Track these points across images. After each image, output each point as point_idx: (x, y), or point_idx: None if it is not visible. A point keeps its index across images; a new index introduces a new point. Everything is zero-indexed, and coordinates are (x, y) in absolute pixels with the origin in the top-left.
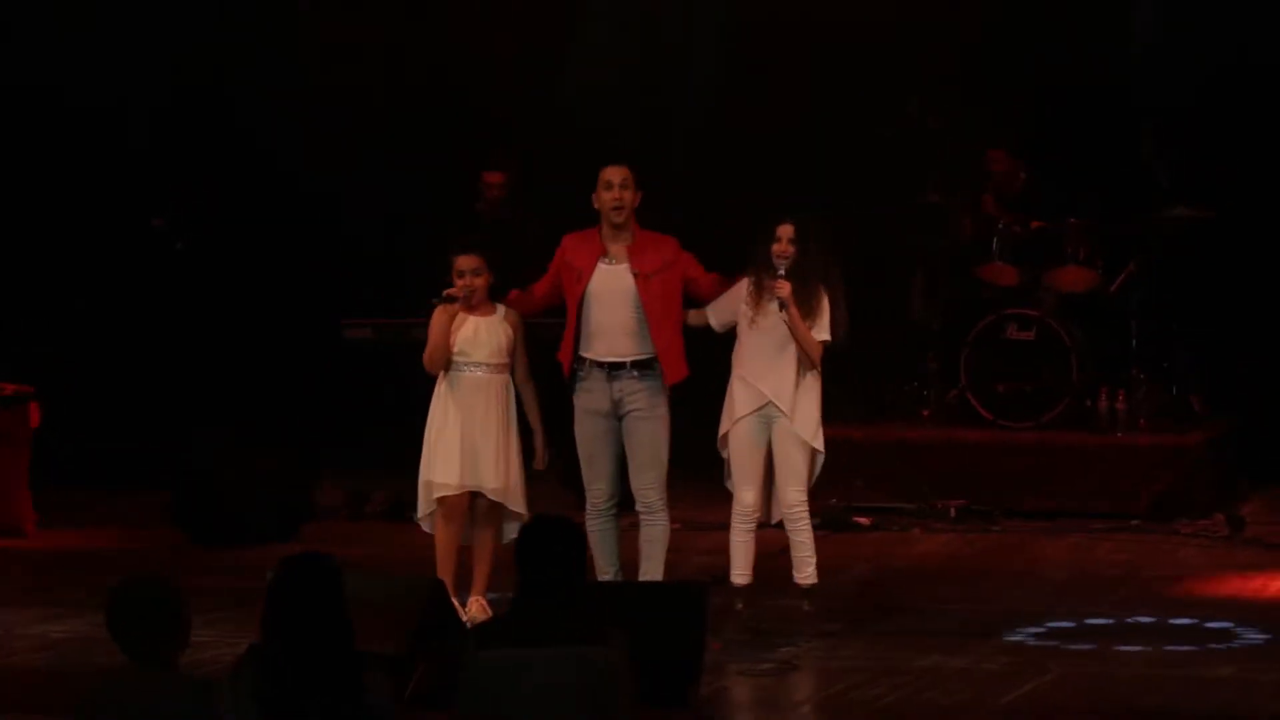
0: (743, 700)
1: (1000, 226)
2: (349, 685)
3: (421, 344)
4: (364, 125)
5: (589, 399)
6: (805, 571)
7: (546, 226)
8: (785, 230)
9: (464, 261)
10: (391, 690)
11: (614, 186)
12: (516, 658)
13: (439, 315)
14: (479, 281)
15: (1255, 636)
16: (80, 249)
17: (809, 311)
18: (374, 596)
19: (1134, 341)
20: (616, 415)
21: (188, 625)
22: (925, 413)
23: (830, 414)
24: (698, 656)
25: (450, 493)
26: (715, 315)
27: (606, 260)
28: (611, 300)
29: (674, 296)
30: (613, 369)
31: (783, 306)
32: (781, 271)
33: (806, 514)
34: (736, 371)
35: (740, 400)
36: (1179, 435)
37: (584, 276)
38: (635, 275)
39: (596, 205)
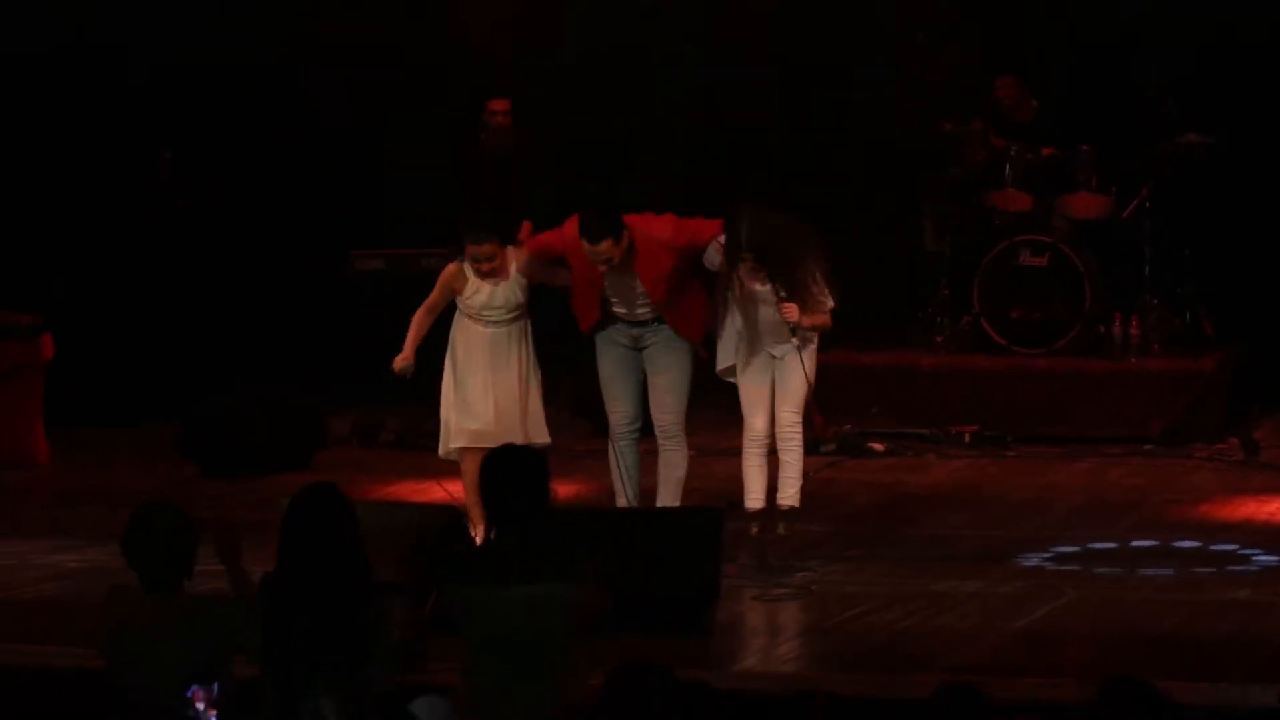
0: (758, 625)
1: (1013, 153)
2: (363, 612)
3: (431, 275)
4: (369, 59)
5: (611, 334)
6: (787, 492)
7: (552, 159)
8: (746, 265)
9: (479, 250)
10: (406, 617)
11: (600, 259)
12: (484, 592)
13: (442, 284)
14: (495, 264)
15: (1270, 559)
16: (92, 182)
17: (809, 303)
18: (390, 526)
19: (1146, 267)
20: (638, 347)
21: (195, 549)
22: (939, 340)
23: (845, 342)
24: (715, 582)
25: (471, 445)
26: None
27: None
28: (626, 294)
29: (686, 276)
30: (633, 323)
31: (795, 331)
32: (783, 294)
33: (799, 436)
34: (733, 326)
35: (745, 350)
36: (1192, 360)
37: (595, 282)
38: (644, 284)
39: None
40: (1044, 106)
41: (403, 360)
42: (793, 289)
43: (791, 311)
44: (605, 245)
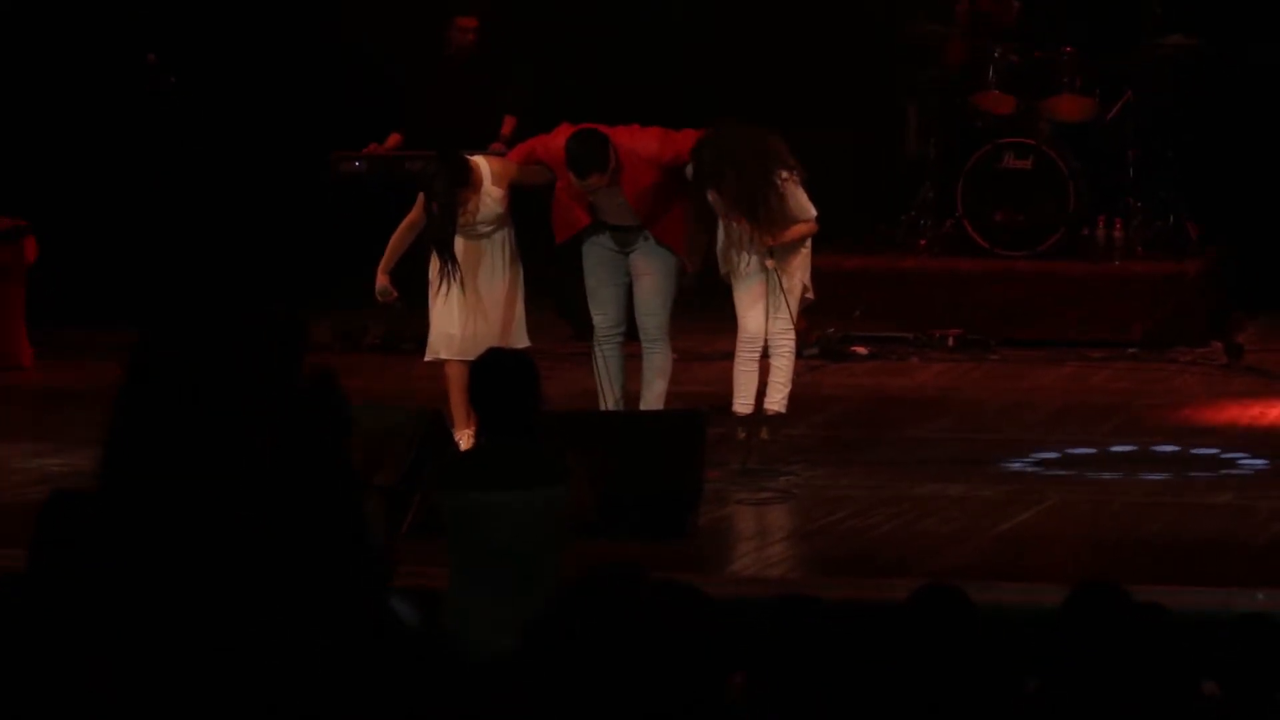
0: (742, 529)
1: (996, 55)
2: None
3: (412, 177)
4: None
5: (596, 238)
6: (774, 398)
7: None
8: (712, 193)
9: (586, 185)
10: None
11: (588, 190)
12: (470, 496)
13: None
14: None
15: (1253, 462)
16: (75, 84)
17: (781, 221)
18: (372, 427)
19: (1130, 170)
20: (624, 251)
21: None
22: (922, 242)
23: (828, 246)
24: (696, 486)
25: (454, 357)
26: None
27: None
28: (611, 206)
29: (671, 190)
30: (618, 228)
31: (771, 253)
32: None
33: (791, 342)
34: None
35: (737, 255)
36: (1176, 263)
37: (581, 195)
38: (628, 198)
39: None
40: (1026, 7)
41: (380, 285)
42: (755, 215)
43: (771, 263)
44: (593, 179)
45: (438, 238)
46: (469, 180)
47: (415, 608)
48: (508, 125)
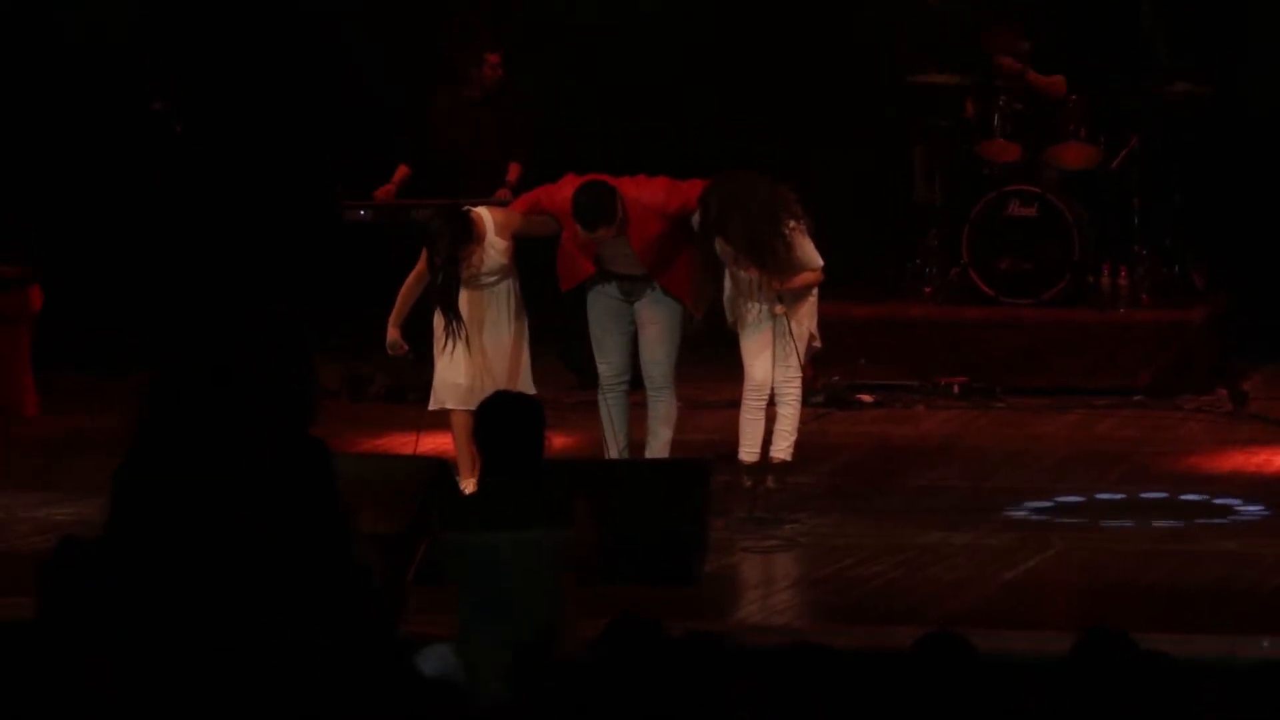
0: (747, 577)
1: (1001, 102)
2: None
3: (418, 225)
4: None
5: (602, 286)
6: (780, 445)
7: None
8: (719, 242)
9: (593, 236)
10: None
11: (595, 241)
12: (477, 538)
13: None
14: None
15: (1257, 511)
16: (82, 132)
17: (788, 269)
18: (378, 477)
19: (1135, 218)
20: (629, 300)
21: None
22: (927, 290)
23: (834, 293)
24: (701, 534)
25: (458, 406)
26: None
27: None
28: (616, 255)
29: (677, 239)
30: (624, 277)
31: (781, 299)
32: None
33: (797, 390)
34: (732, 283)
35: (745, 303)
36: (1181, 311)
37: (589, 246)
38: (634, 248)
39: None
40: (1035, 51)
41: (391, 338)
42: (764, 261)
43: (780, 309)
44: (601, 232)
45: (441, 298)
46: (472, 237)
47: (453, 657)
48: (513, 172)
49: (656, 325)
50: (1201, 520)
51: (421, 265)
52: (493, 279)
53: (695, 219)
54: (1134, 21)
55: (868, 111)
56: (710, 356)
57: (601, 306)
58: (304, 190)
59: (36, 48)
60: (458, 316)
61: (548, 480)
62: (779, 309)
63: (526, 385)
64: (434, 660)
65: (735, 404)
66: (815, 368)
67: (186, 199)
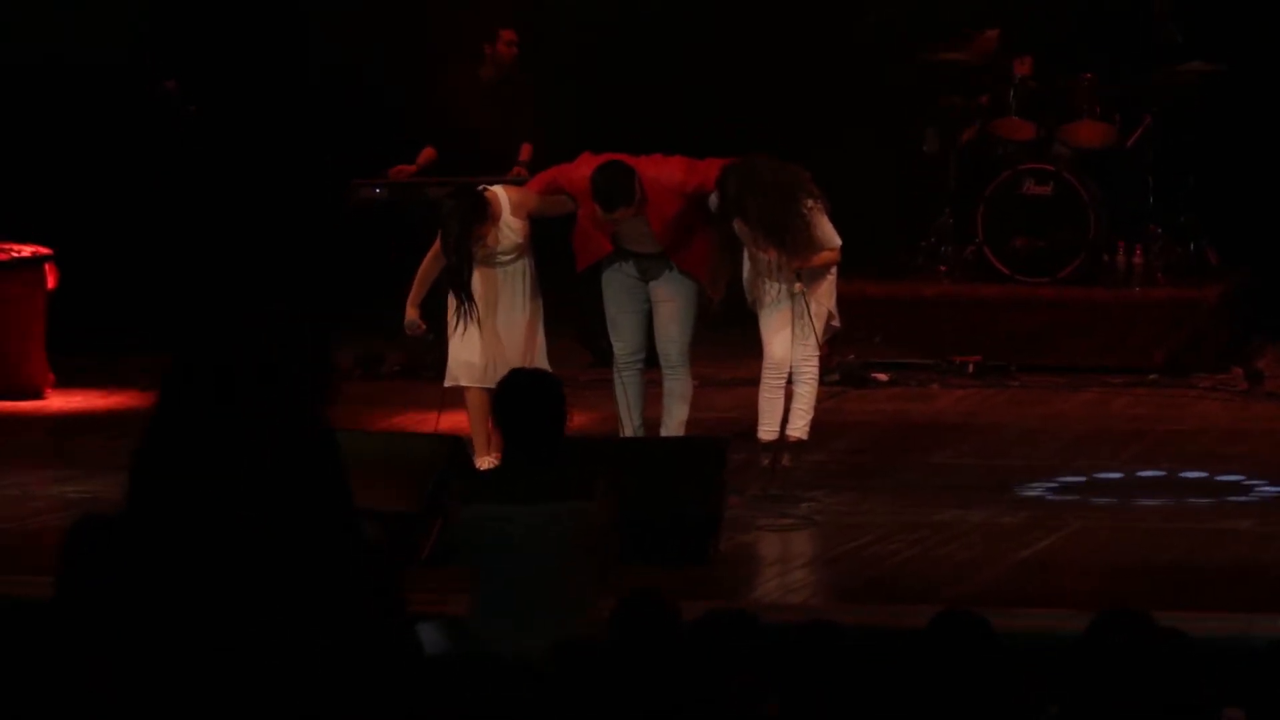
0: (764, 555)
1: (1016, 81)
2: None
3: (432, 204)
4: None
5: (618, 264)
6: (797, 424)
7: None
8: (737, 223)
9: (612, 217)
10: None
11: (613, 221)
12: (497, 513)
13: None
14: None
15: (1273, 490)
16: (96, 112)
17: (806, 249)
18: (393, 456)
19: (1150, 196)
20: (645, 279)
21: None
22: (942, 269)
23: (849, 272)
24: (717, 512)
25: (473, 384)
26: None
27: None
28: (633, 234)
29: (694, 219)
30: (640, 255)
31: (799, 276)
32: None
33: (815, 369)
34: (751, 263)
35: (764, 283)
36: (1195, 289)
37: (605, 225)
38: (652, 227)
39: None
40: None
41: (410, 318)
42: (783, 241)
43: (800, 286)
44: (619, 213)
45: (453, 279)
46: (486, 217)
47: (443, 633)
48: (525, 152)
49: (672, 303)
50: (1217, 499)
51: (438, 244)
52: (508, 258)
53: (713, 200)
54: (1147, 1)
55: (880, 89)
56: (726, 335)
57: (617, 284)
58: (316, 170)
59: (51, 27)
60: (469, 297)
61: (570, 458)
62: (799, 286)
63: (541, 364)
64: (424, 638)
65: (751, 382)
66: (830, 346)
67: (201, 178)
